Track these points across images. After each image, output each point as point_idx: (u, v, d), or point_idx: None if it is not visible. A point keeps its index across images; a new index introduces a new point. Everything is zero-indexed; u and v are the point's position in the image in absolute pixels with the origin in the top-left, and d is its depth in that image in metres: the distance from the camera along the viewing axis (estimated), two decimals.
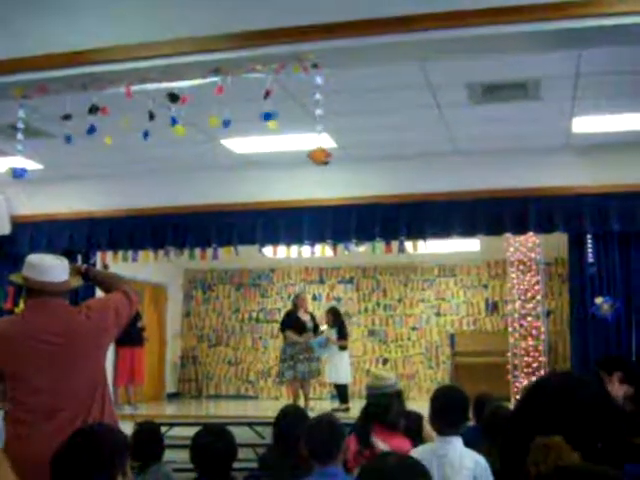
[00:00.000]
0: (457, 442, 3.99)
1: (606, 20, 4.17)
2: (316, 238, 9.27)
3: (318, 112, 4.42)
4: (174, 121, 4.91)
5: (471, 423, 5.64)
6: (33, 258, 3.97)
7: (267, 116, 4.68)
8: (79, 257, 9.90)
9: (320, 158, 4.47)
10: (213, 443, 3.84)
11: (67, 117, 5.12)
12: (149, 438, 4.68)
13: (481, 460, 3.93)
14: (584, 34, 4.33)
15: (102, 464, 2.76)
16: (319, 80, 4.48)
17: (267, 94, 4.64)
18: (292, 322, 11.40)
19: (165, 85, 4.93)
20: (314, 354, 11.17)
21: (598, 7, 4.12)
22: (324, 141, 7.43)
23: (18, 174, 5.14)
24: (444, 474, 3.86)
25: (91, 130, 4.99)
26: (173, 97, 4.88)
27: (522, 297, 11.23)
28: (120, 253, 10.01)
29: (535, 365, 10.91)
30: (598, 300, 8.45)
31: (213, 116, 4.77)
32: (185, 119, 5.02)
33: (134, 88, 4.96)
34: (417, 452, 4.10)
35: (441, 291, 14.36)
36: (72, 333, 3.79)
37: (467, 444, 4.06)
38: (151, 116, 4.93)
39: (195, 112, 5.30)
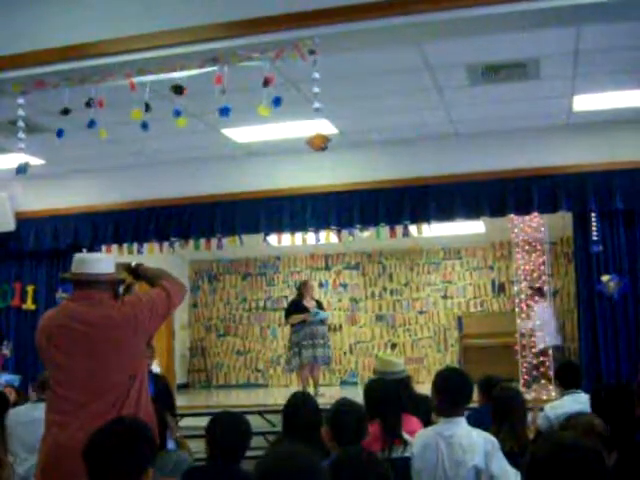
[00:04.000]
0: (462, 422, 4.00)
1: None
2: (320, 225, 9.26)
3: (316, 105, 4.41)
4: (178, 113, 4.89)
5: (476, 405, 5.67)
6: (79, 254, 4.17)
7: (277, 101, 4.62)
8: (84, 252, 9.92)
9: (318, 144, 4.45)
10: (228, 429, 3.85)
11: (66, 111, 5.11)
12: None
13: (489, 436, 3.95)
14: (581, 10, 4.31)
15: (136, 457, 2.90)
16: (316, 75, 4.45)
17: (267, 82, 4.60)
18: (296, 310, 11.32)
19: (163, 76, 4.92)
20: (319, 340, 11.08)
21: None
22: (324, 127, 7.44)
23: (21, 170, 5.16)
24: (454, 454, 3.87)
25: (91, 124, 4.99)
26: (177, 89, 4.85)
27: (528, 277, 11.21)
28: (125, 246, 10.02)
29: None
30: (604, 278, 8.44)
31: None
32: (185, 110, 5.01)
33: (133, 80, 4.95)
34: (423, 434, 4.11)
35: (447, 274, 14.35)
36: (102, 323, 3.85)
37: (475, 425, 4.07)
38: (147, 108, 4.92)
39: (195, 103, 5.31)
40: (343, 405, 3.96)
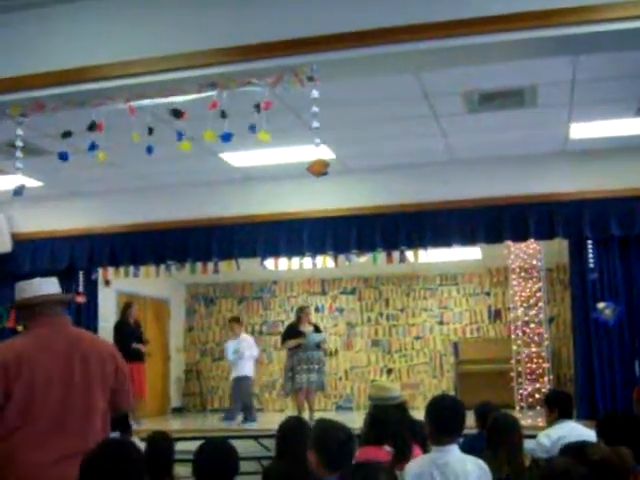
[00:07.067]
0: (455, 450, 3.96)
1: (601, 26, 4.18)
2: (317, 249, 9.28)
3: (315, 125, 4.43)
4: (180, 136, 4.92)
5: (474, 431, 5.63)
6: (19, 283, 3.97)
7: (253, 128, 4.67)
8: (80, 274, 9.93)
9: (319, 170, 4.47)
10: (214, 457, 3.81)
11: (66, 134, 5.13)
12: (163, 450, 4.66)
13: (483, 464, 3.92)
14: (579, 40, 4.35)
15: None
16: (315, 93, 4.48)
17: (266, 107, 4.63)
18: (292, 335, 11.28)
19: (162, 100, 4.94)
20: (314, 365, 11.02)
21: (592, 13, 4.14)
22: (323, 153, 7.46)
23: (17, 192, 5.16)
24: None
25: (92, 147, 4.99)
26: (176, 113, 4.87)
27: (524, 304, 11.22)
28: (122, 269, 10.02)
29: (539, 372, 10.89)
30: (600, 305, 8.46)
31: (208, 130, 4.77)
32: (183, 134, 5.03)
33: (132, 104, 4.97)
34: (416, 463, 4.07)
35: (444, 300, 14.33)
36: (92, 350, 3.81)
37: (470, 451, 4.05)
38: (150, 132, 4.94)
39: (193, 126, 5.31)
40: (327, 426, 3.87)
